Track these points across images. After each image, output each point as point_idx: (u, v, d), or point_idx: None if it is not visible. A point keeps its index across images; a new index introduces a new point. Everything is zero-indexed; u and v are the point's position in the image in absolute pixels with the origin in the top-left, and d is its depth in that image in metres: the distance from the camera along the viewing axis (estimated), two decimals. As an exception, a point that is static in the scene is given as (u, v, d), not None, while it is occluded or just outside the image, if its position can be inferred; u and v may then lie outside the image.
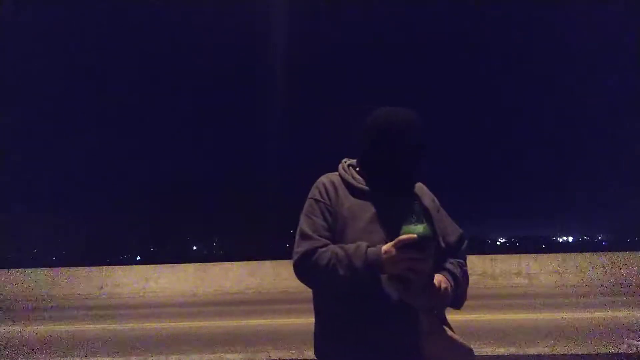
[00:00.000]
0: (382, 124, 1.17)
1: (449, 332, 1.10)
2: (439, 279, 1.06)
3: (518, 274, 9.05)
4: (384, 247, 1.02)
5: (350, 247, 1.06)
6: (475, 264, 9.15)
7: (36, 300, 9.16)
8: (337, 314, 1.12)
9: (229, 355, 4.01)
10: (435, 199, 1.31)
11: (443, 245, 1.21)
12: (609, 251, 9.72)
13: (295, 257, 1.12)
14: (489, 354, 3.74)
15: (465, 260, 1.27)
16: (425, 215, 1.01)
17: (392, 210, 1.13)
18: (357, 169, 1.25)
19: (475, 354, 3.71)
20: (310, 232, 1.13)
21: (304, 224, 1.16)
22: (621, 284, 8.63)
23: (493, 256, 9.41)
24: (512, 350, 3.82)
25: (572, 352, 3.72)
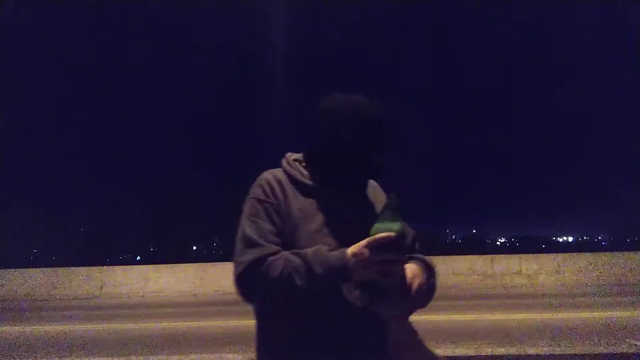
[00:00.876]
0: (342, 111, 1.01)
1: (421, 341, 0.99)
2: (414, 272, 0.91)
3: (518, 274, 9.06)
4: (352, 249, 0.86)
5: (308, 252, 0.90)
6: (475, 264, 9.16)
7: (36, 300, 9.17)
8: (290, 330, 0.94)
9: (229, 355, 4.01)
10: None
11: None
12: (609, 251, 9.74)
13: (240, 267, 0.91)
14: (489, 354, 3.74)
15: None
16: (400, 212, 0.87)
17: (348, 209, 1.01)
18: (304, 164, 1.08)
19: (475, 354, 3.70)
20: (256, 238, 0.94)
21: (247, 229, 0.96)
22: (621, 284, 8.63)
23: (493, 256, 9.42)
24: (512, 350, 3.82)
25: (572, 352, 3.72)
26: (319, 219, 0.99)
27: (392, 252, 0.82)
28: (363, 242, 0.85)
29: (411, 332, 1.00)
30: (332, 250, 0.90)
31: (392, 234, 0.81)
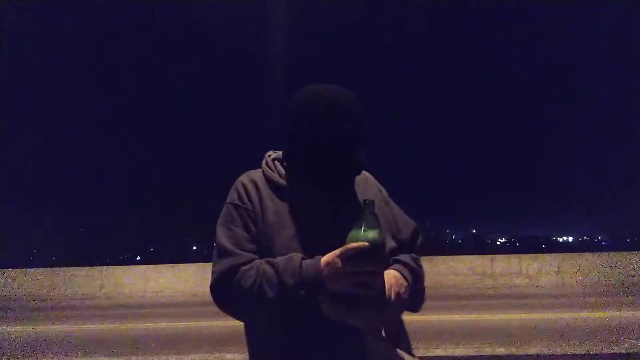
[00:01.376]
0: (310, 103, 0.93)
1: (402, 356, 0.89)
2: (391, 281, 0.82)
3: (518, 274, 9.06)
4: (325, 259, 0.80)
5: (281, 260, 0.84)
6: (475, 264, 9.16)
7: (36, 300, 9.17)
8: (268, 345, 0.91)
9: (229, 355, 4.02)
10: (383, 189, 1.08)
11: (394, 244, 0.98)
12: (609, 251, 9.74)
13: (213, 277, 0.89)
14: (489, 354, 3.74)
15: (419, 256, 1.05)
16: (377, 218, 0.81)
17: (328, 212, 0.93)
18: (284, 163, 1.02)
19: (475, 354, 3.70)
20: (230, 247, 0.89)
21: (221, 237, 0.92)
22: (621, 284, 8.63)
23: (493, 256, 9.42)
24: (512, 350, 3.82)
25: (572, 352, 3.72)
26: (296, 223, 0.91)
27: (367, 262, 0.76)
28: (336, 252, 0.78)
29: (392, 350, 0.88)
30: (306, 258, 0.83)
31: (366, 243, 0.75)
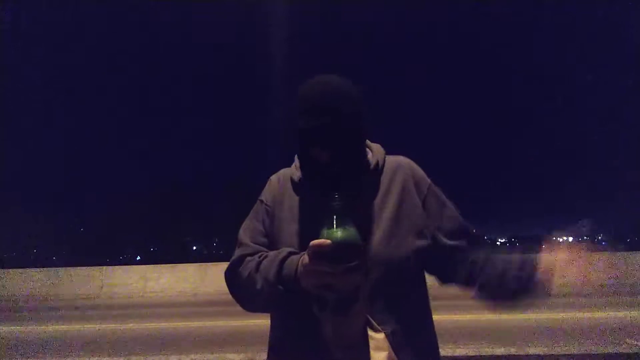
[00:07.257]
0: (297, 98, 0.88)
1: None
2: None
3: (518, 274, 9.05)
4: (304, 256, 0.77)
5: (272, 254, 0.85)
6: (475, 264, 9.16)
7: (36, 300, 9.16)
8: (274, 332, 0.95)
9: (229, 355, 4.01)
10: (423, 177, 1.00)
11: (443, 237, 0.95)
12: (609, 251, 9.72)
13: (227, 266, 0.94)
14: (489, 354, 3.74)
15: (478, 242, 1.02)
16: (350, 216, 0.74)
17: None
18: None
19: (475, 354, 3.68)
20: (244, 239, 0.94)
21: (241, 228, 0.98)
22: (621, 284, 8.63)
23: (493, 256, 9.41)
24: (512, 350, 3.81)
25: (572, 352, 3.72)
26: (304, 220, 0.91)
27: (328, 263, 0.70)
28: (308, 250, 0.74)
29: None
30: (294, 254, 0.82)
31: (327, 241, 0.70)
